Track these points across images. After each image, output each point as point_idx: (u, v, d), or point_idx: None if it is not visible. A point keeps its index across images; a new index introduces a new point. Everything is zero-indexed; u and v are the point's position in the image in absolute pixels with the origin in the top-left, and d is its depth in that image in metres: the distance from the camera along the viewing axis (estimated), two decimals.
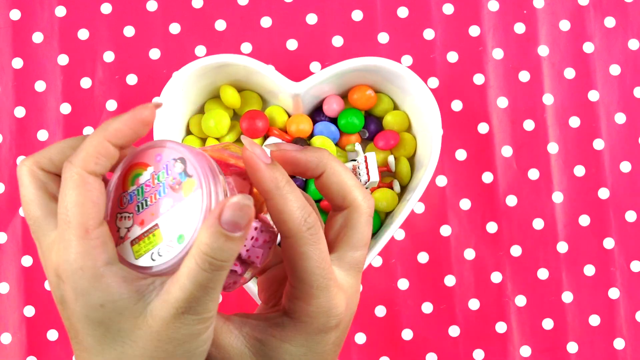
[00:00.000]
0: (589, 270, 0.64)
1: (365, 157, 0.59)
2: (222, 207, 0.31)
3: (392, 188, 0.61)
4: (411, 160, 0.63)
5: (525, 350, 0.63)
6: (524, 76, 0.65)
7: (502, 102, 0.65)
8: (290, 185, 0.34)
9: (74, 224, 0.32)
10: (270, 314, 0.37)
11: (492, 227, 0.64)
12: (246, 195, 0.31)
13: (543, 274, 0.64)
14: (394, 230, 0.57)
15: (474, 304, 0.64)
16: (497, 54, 0.65)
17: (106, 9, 0.65)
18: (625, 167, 0.65)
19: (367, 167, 0.59)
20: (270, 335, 0.36)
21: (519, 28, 0.65)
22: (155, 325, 0.31)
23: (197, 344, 0.33)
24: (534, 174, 0.64)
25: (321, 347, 0.36)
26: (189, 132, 0.62)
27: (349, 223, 0.37)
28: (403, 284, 0.64)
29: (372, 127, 0.62)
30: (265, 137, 0.62)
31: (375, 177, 0.58)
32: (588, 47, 0.65)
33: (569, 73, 0.65)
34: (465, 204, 0.64)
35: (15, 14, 0.65)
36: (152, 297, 0.32)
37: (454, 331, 0.64)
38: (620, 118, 0.65)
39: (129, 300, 0.32)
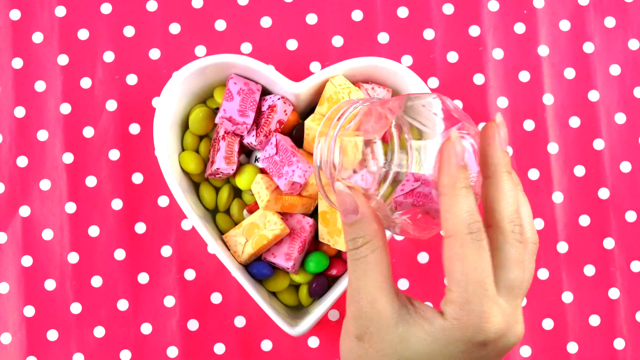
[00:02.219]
0: (589, 270, 0.64)
1: (372, 147, 0.40)
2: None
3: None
4: None
5: (525, 350, 0.63)
6: (524, 76, 0.65)
7: (502, 102, 0.65)
8: (467, 190, 0.35)
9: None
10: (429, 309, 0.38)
11: None
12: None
13: (543, 274, 0.64)
14: None
15: None
16: (497, 54, 0.65)
17: (106, 9, 0.65)
18: (625, 167, 0.65)
19: (373, 157, 0.40)
20: (418, 321, 0.37)
21: (519, 28, 0.65)
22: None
23: None
24: (534, 174, 0.64)
25: (455, 357, 0.36)
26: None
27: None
28: (403, 284, 0.64)
29: None
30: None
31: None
32: (588, 47, 0.65)
33: (569, 73, 0.65)
34: None
35: (15, 14, 0.65)
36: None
37: None
38: (620, 118, 0.65)
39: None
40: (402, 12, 0.65)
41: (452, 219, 0.35)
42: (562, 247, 0.64)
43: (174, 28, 0.65)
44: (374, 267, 0.37)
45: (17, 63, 0.65)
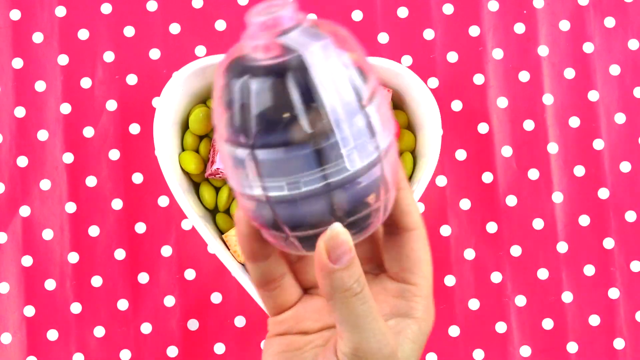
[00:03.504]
0: (589, 270, 0.64)
1: None
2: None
3: None
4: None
5: (525, 350, 0.63)
6: (524, 76, 0.65)
7: (502, 102, 0.65)
8: (405, 180, 0.36)
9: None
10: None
11: (492, 227, 0.64)
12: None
13: (543, 274, 0.64)
14: None
15: (474, 304, 0.64)
16: (497, 54, 0.65)
17: (106, 9, 0.65)
18: (625, 167, 0.65)
19: None
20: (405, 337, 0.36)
21: (519, 28, 0.65)
22: None
23: None
24: (534, 174, 0.64)
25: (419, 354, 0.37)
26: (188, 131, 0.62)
27: (414, 245, 0.36)
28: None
29: None
30: None
31: None
32: (588, 47, 0.65)
33: (569, 73, 0.65)
34: (465, 204, 0.64)
35: (15, 14, 0.65)
36: None
37: (454, 331, 0.64)
38: (620, 118, 0.65)
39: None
40: (402, 12, 0.65)
41: (415, 212, 0.35)
42: (562, 247, 0.64)
43: (174, 28, 0.65)
44: (372, 303, 0.34)
45: (17, 63, 0.65)
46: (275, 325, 0.38)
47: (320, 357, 0.35)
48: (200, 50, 0.65)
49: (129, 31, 0.65)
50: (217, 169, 0.57)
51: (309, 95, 0.30)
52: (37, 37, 0.65)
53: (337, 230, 0.32)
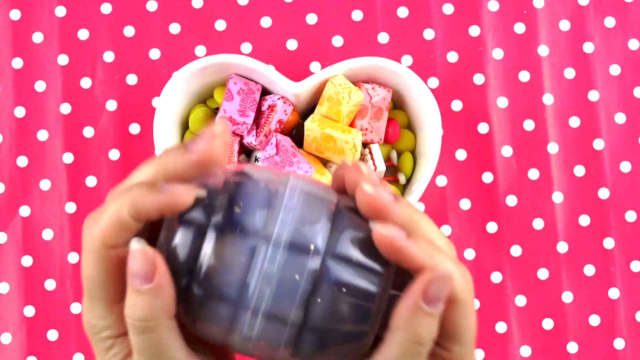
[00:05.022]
0: (589, 270, 0.64)
1: (370, 147, 0.59)
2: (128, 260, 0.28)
3: (397, 181, 0.61)
4: None
5: (525, 350, 0.63)
6: (524, 76, 0.65)
7: (502, 102, 0.65)
8: (439, 251, 0.30)
9: (93, 293, 0.30)
10: None
11: (492, 227, 0.64)
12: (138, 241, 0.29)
13: (543, 274, 0.64)
14: None
15: None
16: (497, 54, 0.65)
17: (106, 9, 0.65)
18: (625, 167, 0.65)
19: (372, 158, 0.59)
20: None
21: (519, 28, 0.65)
22: None
23: None
24: (534, 174, 0.64)
25: None
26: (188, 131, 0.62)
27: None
28: None
29: None
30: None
31: (381, 166, 0.59)
32: (588, 47, 0.65)
33: (569, 73, 0.65)
34: (465, 204, 0.64)
35: (15, 14, 0.65)
36: None
37: None
38: (620, 118, 0.65)
39: None
40: (402, 12, 0.65)
41: (460, 283, 0.30)
42: (562, 247, 0.64)
43: (174, 28, 0.65)
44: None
45: (17, 63, 0.65)
46: None
47: None
48: (200, 50, 0.65)
49: (129, 31, 0.65)
50: None
51: None
52: (37, 37, 0.65)
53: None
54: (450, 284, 0.28)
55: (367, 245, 0.29)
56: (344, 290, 0.28)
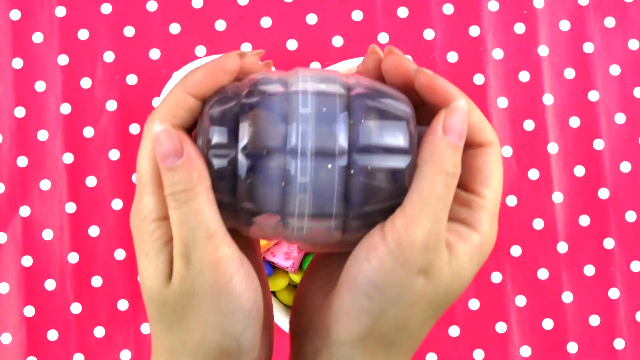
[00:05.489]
0: (589, 270, 0.64)
1: None
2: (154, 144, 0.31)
3: None
4: None
5: (525, 350, 0.63)
6: (524, 76, 0.65)
7: (502, 102, 0.65)
8: (469, 100, 0.34)
9: (146, 179, 0.32)
10: None
11: None
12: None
13: (543, 274, 0.64)
14: None
15: (474, 304, 0.64)
16: (497, 54, 0.65)
17: (106, 9, 0.65)
18: (625, 167, 0.65)
19: None
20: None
21: (519, 28, 0.65)
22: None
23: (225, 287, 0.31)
24: (534, 174, 0.64)
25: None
26: None
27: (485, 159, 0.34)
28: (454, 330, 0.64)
29: None
30: None
31: None
32: (588, 47, 0.65)
33: (569, 73, 0.65)
34: None
35: (15, 14, 0.65)
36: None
37: (454, 331, 0.64)
38: (620, 118, 0.65)
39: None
40: (402, 12, 0.65)
41: (487, 129, 0.34)
42: (562, 247, 0.64)
43: (174, 28, 0.65)
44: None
45: (17, 63, 0.65)
46: None
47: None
48: (200, 50, 0.65)
49: (129, 31, 0.65)
50: None
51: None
52: (37, 37, 0.65)
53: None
54: (467, 117, 0.31)
55: (386, 126, 0.31)
56: (376, 175, 0.30)
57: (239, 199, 0.30)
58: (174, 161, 0.30)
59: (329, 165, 0.30)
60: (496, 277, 0.64)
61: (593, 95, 0.65)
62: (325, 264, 0.36)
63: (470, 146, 0.34)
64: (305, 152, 0.30)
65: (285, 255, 0.57)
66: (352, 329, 0.32)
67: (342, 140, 0.30)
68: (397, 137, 0.31)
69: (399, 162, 0.31)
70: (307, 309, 0.35)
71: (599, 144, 0.65)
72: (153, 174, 0.32)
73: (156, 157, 0.31)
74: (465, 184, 0.34)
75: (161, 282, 0.31)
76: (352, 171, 0.30)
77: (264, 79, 0.31)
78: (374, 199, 0.31)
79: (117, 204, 0.64)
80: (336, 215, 0.31)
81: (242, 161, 0.30)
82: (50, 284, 0.63)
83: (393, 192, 0.31)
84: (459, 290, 0.33)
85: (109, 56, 0.65)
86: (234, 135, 0.30)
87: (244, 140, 0.30)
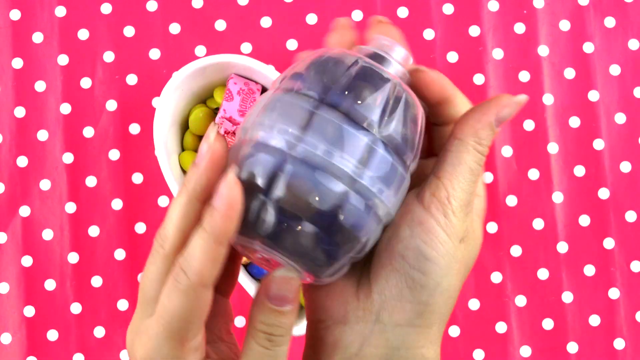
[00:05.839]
0: (589, 270, 0.64)
1: None
2: (267, 282, 0.31)
3: None
4: None
5: (525, 350, 0.63)
6: (524, 76, 0.65)
7: None
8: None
9: (174, 332, 0.31)
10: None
11: (492, 227, 0.64)
12: (289, 269, 0.31)
13: (543, 274, 0.64)
14: None
15: (474, 304, 0.64)
16: (497, 54, 0.65)
17: (106, 9, 0.65)
18: (625, 167, 0.65)
19: None
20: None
21: (519, 28, 0.65)
22: None
23: None
24: (534, 174, 0.64)
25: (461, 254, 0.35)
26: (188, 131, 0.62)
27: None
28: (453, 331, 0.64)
29: None
30: None
31: None
32: (588, 47, 0.65)
33: (569, 73, 0.65)
34: None
35: (15, 14, 0.65)
36: None
37: (454, 331, 0.64)
38: (620, 118, 0.65)
39: None
40: (402, 12, 0.65)
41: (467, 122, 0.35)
42: (562, 247, 0.64)
43: (174, 28, 0.65)
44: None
45: (17, 63, 0.65)
46: None
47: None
48: (200, 50, 0.65)
49: (129, 31, 0.65)
50: None
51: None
52: (37, 37, 0.65)
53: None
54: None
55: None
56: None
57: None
58: (285, 306, 0.31)
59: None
60: (496, 277, 0.64)
61: (593, 95, 0.65)
62: None
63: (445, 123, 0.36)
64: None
65: None
66: (408, 309, 0.33)
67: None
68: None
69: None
70: (339, 301, 0.34)
71: (599, 144, 0.65)
72: (190, 325, 0.31)
73: (263, 296, 0.32)
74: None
75: None
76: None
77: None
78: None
79: (117, 204, 0.64)
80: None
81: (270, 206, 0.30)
82: (50, 284, 0.63)
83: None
84: (478, 250, 0.35)
85: (109, 56, 0.65)
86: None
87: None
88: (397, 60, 0.34)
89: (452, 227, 0.32)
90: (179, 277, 0.30)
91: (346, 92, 0.31)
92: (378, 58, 0.34)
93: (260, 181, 0.30)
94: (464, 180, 0.33)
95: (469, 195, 0.33)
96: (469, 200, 0.33)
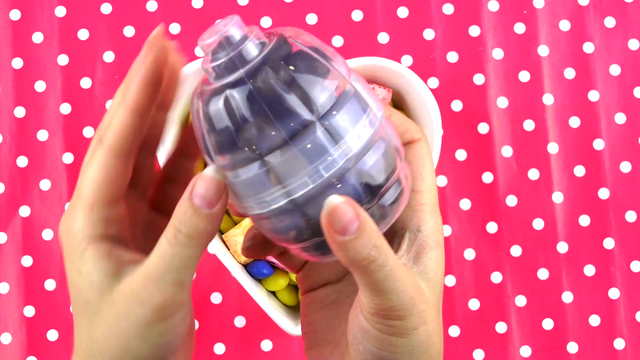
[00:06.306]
0: (589, 270, 0.64)
1: None
2: (195, 180, 0.31)
3: None
4: None
5: (525, 350, 0.63)
6: (524, 76, 0.65)
7: (502, 102, 0.65)
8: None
9: (85, 197, 0.32)
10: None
11: (492, 227, 0.64)
12: (218, 170, 0.31)
13: (543, 274, 0.64)
14: None
15: (474, 304, 0.64)
16: (497, 54, 0.65)
17: (106, 9, 0.65)
18: (625, 167, 0.65)
19: None
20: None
21: (519, 28, 0.65)
22: (119, 300, 0.31)
23: (163, 327, 0.32)
24: (534, 174, 0.64)
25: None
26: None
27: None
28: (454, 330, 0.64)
29: None
30: None
31: None
32: (588, 47, 0.65)
33: (569, 73, 0.65)
34: (465, 204, 0.64)
35: (15, 14, 0.65)
36: (126, 276, 0.32)
37: (454, 331, 0.64)
38: (620, 118, 0.65)
39: (102, 274, 0.32)
40: (402, 12, 0.65)
41: (411, 128, 0.35)
42: (562, 247, 0.64)
43: (174, 28, 0.65)
44: (392, 263, 0.33)
45: (17, 63, 0.65)
46: (301, 281, 0.38)
47: (349, 315, 0.34)
48: (200, 50, 0.65)
49: (129, 31, 0.65)
50: None
51: (296, 88, 0.30)
52: (37, 37, 0.65)
53: (333, 202, 0.30)
54: (343, 209, 0.30)
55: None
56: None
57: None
58: (202, 206, 0.31)
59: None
60: (496, 277, 0.64)
61: (593, 95, 0.65)
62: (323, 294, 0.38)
63: (403, 144, 0.35)
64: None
65: None
66: None
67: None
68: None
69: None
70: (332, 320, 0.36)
71: (599, 144, 0.65)
72: (105, 186, 0.32)
73: (187, 192, 0.31)
74: None
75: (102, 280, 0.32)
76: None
77: None
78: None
79: None
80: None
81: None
82: (50, 284, 0.63)
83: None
84: (441, 288, 0.35)
85: (109, 56, 0.65)
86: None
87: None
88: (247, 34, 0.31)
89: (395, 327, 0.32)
90: (96, 147, 0.32)
91: (263, 124, 0.29)
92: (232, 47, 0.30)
93: (292, 236, 0.31)
94: (370, 273, 0.31)
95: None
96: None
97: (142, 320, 0.31)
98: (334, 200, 0.30)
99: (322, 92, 0.29)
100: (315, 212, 0.30)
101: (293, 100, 0.29)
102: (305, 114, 0.29)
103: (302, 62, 0.30)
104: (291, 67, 0.29)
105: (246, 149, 0.29)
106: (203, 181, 0.31)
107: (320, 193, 0.30)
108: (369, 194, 0.31)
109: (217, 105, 0.30)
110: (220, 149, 0.30)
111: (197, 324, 0.63)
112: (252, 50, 0.30)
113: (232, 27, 0.30)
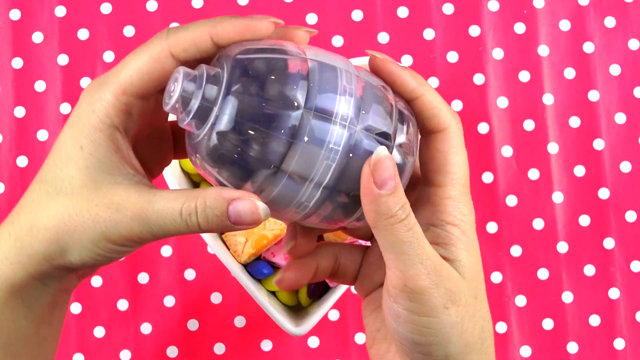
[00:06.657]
0: (589, 270, 0.64)
1: None
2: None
3: None
4: None
5: (525, 350, 0.63)
6: (524, 76, 0.65)
7: (502, 102, 0.65)
8: (427, 83, 0.35)
9: (122, 79, 0.32)
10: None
11: (492, 227, 0.64)
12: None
13: (543, 274, 0.64)
14: None
15: None
16: (497, 54, 0.65)
17: (106, 9, 0.65)
18: (625, 167, 0.65)
19: None
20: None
21: (519, 28, 0.65)
22: (100, 202, 0.32)
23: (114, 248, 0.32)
24: (534, 174, 0.64)
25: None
26: None
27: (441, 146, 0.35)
28: None
29: None
30: None
31: None
32: (588, 47, 0.65)
33: (569, 73, 0.65)
34: None
35: (15, 14, 0.65)
36: (116, 186, 0.32)
37: None
38: (620, 118, 0.65)
39: (98, 168, 0.32)
40: (402, 12, 0.65)
41: (442, 113, 0.35)
42: (562, 247, 0.64)
43: None
44: (417, 230, 0.33)
45: (17, 63, 0.65)
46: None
47: (382, 305, 0.34)
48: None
49: (129, 31, 0.65)
50: None
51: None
52: (37, 37, 0.65)
53: (382, 153, 0.31)
54: (388, 164, 0.31)
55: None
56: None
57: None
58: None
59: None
60: (496, 277, 0.64)
61: (593, 95, 0.65)
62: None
63: (428, 132, 0.35)
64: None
65: (285, 255, 0.57)
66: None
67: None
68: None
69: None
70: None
71: (599, 144, 0.65)
72: (145, 81, 0.32)
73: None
74: (426, 175, 0.35)
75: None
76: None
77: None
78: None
79: None
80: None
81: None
82: None
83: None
84: (480, 278, 0.35)
85: (109, 56, 0.65)
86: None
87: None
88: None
89: (427, 306, 0.32)
90: (157, 36, 0.33)
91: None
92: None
93: (342, 214, 0.33)
94: (407, 256, 0.32)
95: (425, 260, 0.32)
96: (432, 265, 0.32)
97: (106, 235, 0.32)
98: (382, 151, 0.31)
99: (292, 83, 0.30)
100: (350, 184, 0.32)
101: (273, 105, 0.30)
102: (290, 110, 0.30)
103: (260, 69, 0.31)
104: (254, 78, 0.31)
105: (261, 169, 0.30)
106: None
107: (345, 166, 0.31)
108: (384, 139, 0.32)
109: (214, 148, 0.30)
110: (240, 181, 0.31)
111: (197, 324, 0.63)
112: (211, 88, 0.31)
113: (184, 83, 0.31)
